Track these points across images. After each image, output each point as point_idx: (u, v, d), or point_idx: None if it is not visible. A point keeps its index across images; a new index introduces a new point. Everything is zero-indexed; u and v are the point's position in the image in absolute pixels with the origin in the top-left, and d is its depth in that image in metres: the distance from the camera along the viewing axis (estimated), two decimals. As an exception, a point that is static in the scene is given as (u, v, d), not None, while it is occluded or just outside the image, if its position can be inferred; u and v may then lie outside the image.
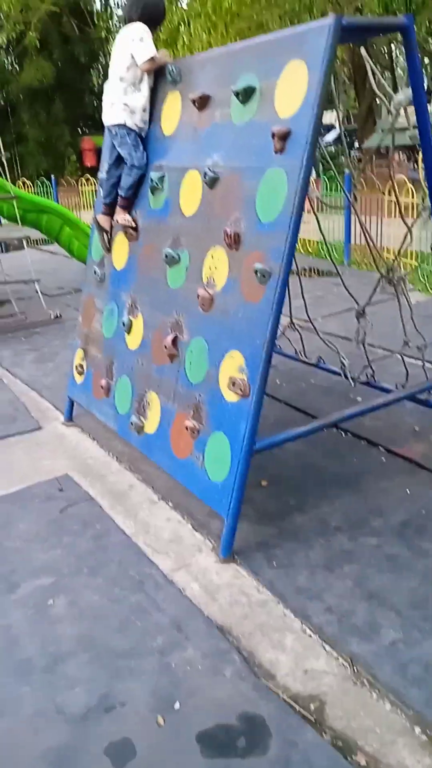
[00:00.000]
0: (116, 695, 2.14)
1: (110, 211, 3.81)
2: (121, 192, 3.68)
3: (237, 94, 2.93)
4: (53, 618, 2.52)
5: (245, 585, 2.68)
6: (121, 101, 3.47)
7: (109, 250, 3.94)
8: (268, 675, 2.22)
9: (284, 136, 2.69)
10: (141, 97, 3.49)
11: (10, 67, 25.97)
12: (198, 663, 2.25)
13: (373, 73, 3.15)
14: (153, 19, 3.49)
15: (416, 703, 2.06)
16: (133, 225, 3.66)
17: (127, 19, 3.47)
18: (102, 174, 3.84)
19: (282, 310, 2.76)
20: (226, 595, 2.63)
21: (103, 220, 3.86)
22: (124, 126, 3.51)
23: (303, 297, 4.10)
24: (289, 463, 3.65)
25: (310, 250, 10.24)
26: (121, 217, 3.69)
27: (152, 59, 3.39)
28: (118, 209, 3.73)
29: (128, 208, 3.70)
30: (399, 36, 3.13)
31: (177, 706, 2.09)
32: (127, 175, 3.62)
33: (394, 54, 23.53)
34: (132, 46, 3.39)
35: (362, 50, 3.24)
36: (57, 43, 24.72)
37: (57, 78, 24.52)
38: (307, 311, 4.08)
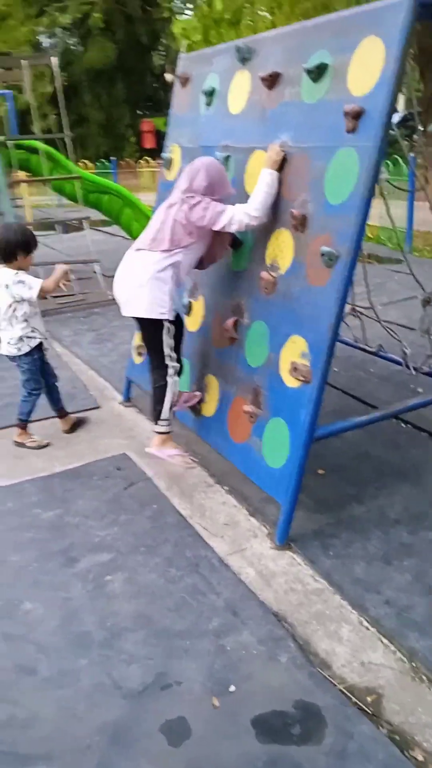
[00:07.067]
0: (172, 674, 2.16)
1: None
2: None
3: (309, 72, 2.85)
4: (111, 594, 2.55)
5: (301, 573, 2.66)
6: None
7: None
8: (324, 665, 2.19)
9: (357, 115, 2.61)
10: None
11: (74, 48, 26.13)
12: (253, 648, 2.25)
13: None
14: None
15: None
16: None
17: None
18: None
19: (348, 295, 2.70)
20: (282, 582, 2.61)
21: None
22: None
23: (366, 282, 4.00)
24: (347, 452, 3.59)
25: (370, 235, 10.00)
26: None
27: (41, 289, 3.57)
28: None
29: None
30: None
31: (232, 689, 2.09)
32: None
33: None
34: (14, 290, 3.54)
35: None
36: (120, 24, 24.75)
37: (119, 59, 24.59)
38: (369, 297, 3.98)
